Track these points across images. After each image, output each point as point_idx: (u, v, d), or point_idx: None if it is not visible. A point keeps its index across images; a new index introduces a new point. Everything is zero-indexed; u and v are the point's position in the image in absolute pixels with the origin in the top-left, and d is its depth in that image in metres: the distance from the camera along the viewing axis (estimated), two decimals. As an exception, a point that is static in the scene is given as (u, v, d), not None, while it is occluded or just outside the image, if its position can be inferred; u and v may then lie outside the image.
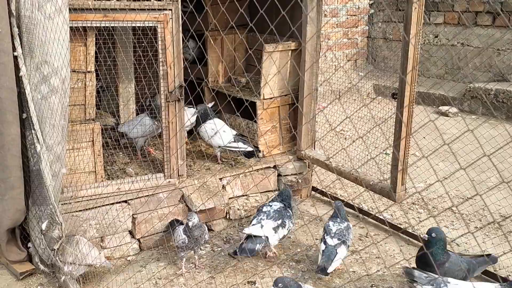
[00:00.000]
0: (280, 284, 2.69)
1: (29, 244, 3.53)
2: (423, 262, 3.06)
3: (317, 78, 4.46)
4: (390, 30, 8.14)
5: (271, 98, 4.49)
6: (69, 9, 3.18)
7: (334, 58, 7.70)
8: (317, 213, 4.48)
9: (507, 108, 6.55)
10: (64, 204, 3.53)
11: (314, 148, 4.63)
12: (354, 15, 7.98)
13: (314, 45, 4.32)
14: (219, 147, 4.32)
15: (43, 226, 3.33)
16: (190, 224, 3.46)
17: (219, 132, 4.17)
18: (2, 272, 3.57)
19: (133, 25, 3.62)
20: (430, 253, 2.96)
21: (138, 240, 3.88)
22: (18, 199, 3.36)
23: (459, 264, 3.01)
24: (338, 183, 4.99)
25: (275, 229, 3.52)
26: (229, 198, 4.26)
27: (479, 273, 3.27)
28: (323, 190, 4.77)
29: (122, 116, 4.56)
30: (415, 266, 3.06)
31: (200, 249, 3.67)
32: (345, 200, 4.62)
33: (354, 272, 3.59)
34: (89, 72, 3.64)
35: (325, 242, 3.41)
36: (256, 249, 3.40)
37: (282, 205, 3.70)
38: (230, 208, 4.23)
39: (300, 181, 4.60)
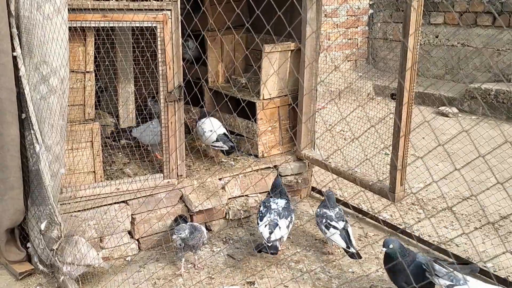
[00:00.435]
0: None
1: (28, 244, 3.53)
2: (393, 272, 3.06)
3: (316, 78, 4.46)
4: (390, 31, 8.14)
5: (270, 99, 4.49)
6: (68, 9, 3.18)
7: (334, 58, 7.70)
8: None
9: (507, 108, 6.54)
10: (63, 204, 3.53)
11: (314, 149, 4.63)
12: (354, 16, 7.98)
13: (313, 46, 4.32)
14: (211, 146, 4.39)
15: (42, 226, 3.33)
16: (182, 236, 3.43)
17: (208, 132, 4.30)
18: (1, 272, 3.57)
19: (132, 25, 3.62)
20: (397, 261, 2.94)
21: (137, 240, 3.88)
22: (17, 199, 3.36)
23: (423, 267, 3.00)
24: (338, 183, 4.99)
25: (288, 226, 3.64)
26: (228, 199, 4.26)
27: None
28: (322, 190, 4.76)
29: (121, 116, 4.56)
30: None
31: (200, 249, 3.66)
32: (344, 200, 4.62)
33: (353, 272, 3.59)
34: (88, 72, 3.64)
35: (334, 227, 3.62)
36: (278, 246, 3.54)
37: (286, 200, 3.76)
38: (229, 208, 4.23)
39: (299, 181, 4.59)
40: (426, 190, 4.74)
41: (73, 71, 3.57)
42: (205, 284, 3.43)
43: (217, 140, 4.27)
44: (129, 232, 3.86)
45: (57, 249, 3.35)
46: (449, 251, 3.73)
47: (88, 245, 3.38)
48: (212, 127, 4.25)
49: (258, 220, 3.64)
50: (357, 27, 8.14)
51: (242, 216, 4.26)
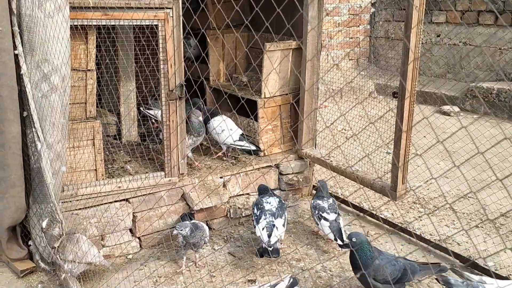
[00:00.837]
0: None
1: (30, 242, 3.54)
2: (352, 262, 3.10)
3: (317, 76, 4.46)
4: (392, 29, 8.13)
5: (271, 97, 4.49)
6: (69, 7, 3.19)
7: (335, 57, 7.69)
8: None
9: (509, 107, 6.53)
10: (65, 202, 3.53)
11: (315, 147, 4.63)
12: (355, 14, 7.97)
13: (315, 44, 4.32)
14: (225, 144, 4.36)
15: (44, 224, 3.34)
16: (183, 232, 3.43)
17: (228, 130, 4.26)
18: (3, 270, 3.58)
19: (133, 23, 3.62)
20: (356, 253, 2.97)
21: (138, 238, 3.89)
22: (18, 197, 3.37)
23: (392, 262, 3.03)
24: (339, 182, 4.99)
25: (283, 224, 3.66)
26: (230, 197, 4.26)
27: (423, 277, 3.28)
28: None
29: (123, 114, 4.57)
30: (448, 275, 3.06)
31: (201, 248, 3.65)
32: (345, 199, 4.62)
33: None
34: (89, 70, 3.64)
35: (325, 219, 3.72)
36: (279, 250, 3.57)
37: (278, 199, 3.78)
38: (230, 206, 4.23)
39: (300, 180, 4.59)
40: (428, 189, 4.74)
41: (75, 69, 3.57)
42: (206, 282, 3.43)
43: (240, 140, 4.28)
44: (130, 230, 3.86)
45: (58, 247, 3.36)
46: (449, 249, 3.73)
47: (89, 243, 3.38)
48: (232, 126, 4.29)
49: (254, 222, 3.65)
50: (358, 26, 8.13)
51: (243, 215, 4.26)
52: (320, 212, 3.78)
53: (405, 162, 3.72)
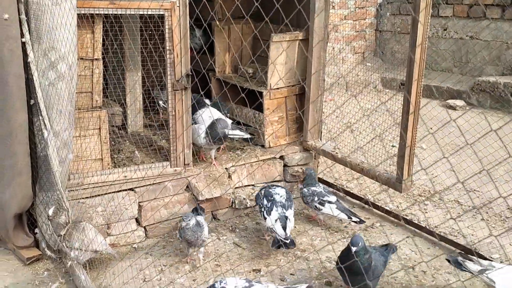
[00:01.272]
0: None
1: (36, 230, 3.55)
2: (350, 270, 2.89)
3: (324, 68, 4.45)
4: (398, 23, 8.10)
5: (278, 88, 4.48)
6: (77, -5, 3.19)
7: (341, 49, 7.67)
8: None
9: (516, 101, 6.50)
10: (71, 191, 3.54)
11: (321, 139, 4.62)
12: (362, 7, 7.94)
13: (321, 35, 4.31)
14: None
15: (50, 212, 3.35)
16: (183, 224, 3.37)
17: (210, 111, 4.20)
18: (9, 258, 3.60)
19: (140, 12, 3.62)
20: (360, 262, 2.85)
21: (144, 227, 3.90)
22: (25, 185, 3.38)
23: (378, 259, 3.02)
24: (344, 174, 4.99)
25: (293, 215, 3.69)
26: (235, 188, 4.26)
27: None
28: (328, 181, 4.76)
29: (129, 104, 4.57)
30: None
31: (200, 246, 3.49)
32: (351, 191, 4.61)
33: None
34: (96, 59, 3.64)
35: (329, 202, 3.85)
36: (295, 241, 3.57)
37: (285, 189, 3.80)
38: (235, 197, 4.23)
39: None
40: (433, 182, 4.73)
41: (81, 58, 3.58)
42: (211, 271, 3.44)
43: (232, 129, 4.19)
44: (136, 219, 3.87)
45: (64, 234, 3.37)
46: (455, 241, 3.73)
47: (95, 231, 3.39)
48: (220, 116, 4.23)
49: (264, 213, 3.63)
50: (365, 19, 8.09)
51: (248, 205, 4.27)
52: (321, 198, 3.86)
53: (411, 154, 3.72)
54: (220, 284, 2.65)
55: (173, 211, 3.95)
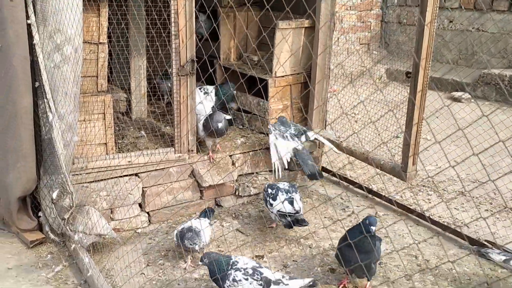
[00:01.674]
0: (205, 259, 2.82)
1: (40, 213, 3.56)
2: (360, 248, 2.84)
3: (330, 57, 4.42)
4: (404, 14, 8.04)
5: (283, 76, 4.45)
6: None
7: (346, 40, 7.63)
8: (326, 193, 4.47)
9: (521, 94, 6.47)
10: (75, 175, 3.54)
11: (325, 128, 4.60)
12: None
13: (328, 24, 4.28)
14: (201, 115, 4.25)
15: (54, 195, 3.35)
16: (180, 227, 3.28)
17: (202, 102, 4.20)
18: (13, 240, 3.61)
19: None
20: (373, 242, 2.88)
21: (148, 213, 3.90)
22: (29, 168, 3.38)
23: (379, 246, 3.04)
24: (348, 164, 4.98)
25: (301, 199, 3.71)
26: (239, 175, 4.26)
27: None
28: (332, 170, 4.75)
29: (133, 90, 4.55)
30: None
31: (194, 252, 3.32)
32: (354, 181, 4.60)
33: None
34: (101, 43, 3.63)
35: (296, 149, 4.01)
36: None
37: (287, 182, 3.84)
38: (239, 185, 4.23)
39: (310, 160, 4.57)
40: (438, 173, 4.71)
41: (86, 42, 3.56)
42: (215, 257, 3.44)
43: (213, 111, 4.12)
44: (140, 205, 3.87)
45: (68, 218, 3.38)
46: (459, 231, 3.72)
47: (99, 215, 3.40)
48: (198, 100, 4.15)
49: (270, 201, 3.63)
50: (371, 10, 8.04)
51: (252, 193, 4.26)
52: (292, 133, 4.04)
53: (416, 143, 3.70)
54: (232, 259, 2.77)
55: (177, 197, 3.95)
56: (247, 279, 2.68)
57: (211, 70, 4.87)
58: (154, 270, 3.31)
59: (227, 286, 2.70)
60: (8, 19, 3.09)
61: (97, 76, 3.66)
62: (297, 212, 3.52)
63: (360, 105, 5.34)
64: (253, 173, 4.36)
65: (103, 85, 3.70)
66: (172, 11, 3.62)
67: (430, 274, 3.30)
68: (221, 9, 4.80)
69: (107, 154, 3.77)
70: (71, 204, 3.36)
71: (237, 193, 4.23)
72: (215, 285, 2.86)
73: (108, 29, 3.71)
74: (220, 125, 3.89)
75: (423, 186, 4.56)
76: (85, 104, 3.62)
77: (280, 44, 4.30)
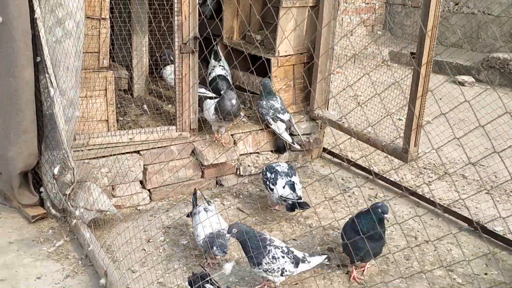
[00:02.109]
0: (234, 230, 2.75)
1: (41, 189, 3.57)
2: (373, 237, 2.86)
3: (334, 37, 4.38)
4: (409, -4, 7.95)
5: (286, 56, 4.42)
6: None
7: (350, 21, 7.56)
8: (326, 173, 4.48)
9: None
10: (76, 151, 3.54)
11: (327, 109, 4.59)
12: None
13: (332, 2, 4.23)
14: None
15: (56, 171, 3.35)
16: (208, 232, 3.00)
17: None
18: (14, 215, 3.62)
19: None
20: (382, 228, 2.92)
21: (149, 190, 3.91)
22: (31, 143, 3.38)
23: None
24: (349, 145, 4.97)
25: (300, 182, 3.72)
26: (240, 155, 4.26)
27: None
28: (333, 151, 4.75)
29: (135, 68, 4.53)
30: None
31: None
32: (356, 162, 4.60)
33: (362, 230, 3.60)
34: (103, 19, 3.59)
35: (282, 120, 4.02)
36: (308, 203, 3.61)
37: (286, 163, 3.82)
38: (240, 164, 4.23)
39: (311, 141, 4.57)
40: (439, 156, 4.70)
41: (88, 17, 3.52)
42: (215, 234, 3.46)
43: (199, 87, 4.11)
44: (141, 182, 3.88)
45: (69, 194, 3.39)
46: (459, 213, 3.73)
47: (100, 191, 3.40)
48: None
49: (270, 185, 3.62)
50: (375, -9, 7.96)
51: (252, 173, 4.27)
52: (276, 113, 3.97)
53: (418, 125, 3.69)
54: (267, 236, 2.83)
55: (178, 175, 3.95)
56: (283, 257, 2.76)
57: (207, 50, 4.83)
58: (154, 246, 3.33)
59: (265, 263, 2.73)
60: (10, -7, 3.06)
61: (98, 52, 3.63)
62: (299, 198, 3.51)
63: (362, 87, 5.30)
64: (254, 153, 4.35)
65: (104, 62, 3.68)
66: (175, -13, 3.58)
67: (429, 255, 3.32)
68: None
69: (108, 131, 3.76)
70: (73, 180, 3.36)
71: (238, 172, 4.23)
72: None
73: (110, 4, 3.67)
74: (233, 101, 3.77)
75: (424, 168, 4.56)
76: (87, 80, 3.60)
77: (284, 22, 4.26)
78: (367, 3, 7.85)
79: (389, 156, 4.44)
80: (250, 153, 4.33)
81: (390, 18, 8.19)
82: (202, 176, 4.12)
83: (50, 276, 3.02)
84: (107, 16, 3.61)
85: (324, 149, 4.80)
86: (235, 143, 4.22)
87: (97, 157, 3.64)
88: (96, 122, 3.72)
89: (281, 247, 2.79)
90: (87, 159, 3.60)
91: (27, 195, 3.57)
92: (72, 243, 3.35)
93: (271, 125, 4.01)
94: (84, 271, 3.09)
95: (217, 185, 4.22)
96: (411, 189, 4.13)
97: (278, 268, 2.73)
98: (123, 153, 3.73)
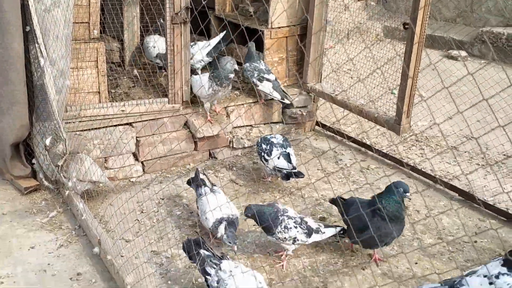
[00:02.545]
0: (248, 213, 2.86)
1: (34, 161, 3.56)
2: (396, 218, 2.77)
3: (327, 8, 4.34)
4: (403, -30, 7.87)
5: (279, 28, 4.39)
6: None
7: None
8: (319, 147, 4.49)
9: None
10: (68, 123, 3.52)
11: (320, 81, 4.58)
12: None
13: (325, -27, 4.18)
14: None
15: (47, 142, 3.34)
16: (219, 216, 2.91)
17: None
18: (6, 187, 3.62)
19: None
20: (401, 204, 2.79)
21: (142, 163, 3.91)
22: (22, 114, 3.35)
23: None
24: (342, 119, 4.98)
25: (294, 154, 3.73)
26: (233, 127, 4.25)
27: None
28: (326, 124, 4.75)
29: (126, 39, 4.47)
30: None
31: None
32: (348, 135, 4.62)
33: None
34: (93, -12, 3.54)
35: (268, 80, 4.02)
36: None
37: (281, 135, 3.84)
38: (233, 136, 4.23)
39: (304, 114, 4.57)
40: (431, 129, 4.73)
41: (78, -14, 3.47)
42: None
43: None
44: (134, 155, 3.88)
45: (62, 165, 3.38)
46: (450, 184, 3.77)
47: (93, 162, 3.40)
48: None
49: (265, 156, 3.64)
50: (369, -36, 7.86)
51: (246, 145, 4.27)
52: (262, 74, 4.00)
53: (410, 96, 3.69)
54: (280, 206, 2.91)
55: (171, 147, 3.95)
56: (296, 227, 2.84)
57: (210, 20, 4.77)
58: (148, 217, 3.35)
59: (278, 232, 2.83)
60: (-3, -40, 3.00)
61: (88, 22, 3.59)
62: (294, 168, 3.55)
63: (356, 61, 5.28)
64: (248, 126, 4.35)
65: (95, 32, 3.63)
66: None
67: (420, 224, 3.36)
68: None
69: (100, 102, 3.74)
70: (65, 151, 3.35)
71: (231, 145, 4.24)
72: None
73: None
74: (228, 65, 3.76)
75: (416, 141, 4.58)
76: (77, 51, 3.57)
77: (277, -7, 4.21)
78: (361, -23, 7.75)
79: (381, 128, 4.47)
80: (244, 126, 4.32)
81: (384, -7, 8.12)
82: (195, 149, 4.12)
83: (43, 246, 3.03)
84: (97, -15, 3.55)
85: (317, 123, 4.80)
86: (228, 115, 4.21)
87: (89, 129, 3.63)
88: (87, 94, 3.70)
89: (294, 218, 2.87)
90: (79, 130, 3.58)
91: (19, 166, 3.56)
92: (65, 213, 3.36)
93: (258, 86, 4.04)
94: (78, 240, 3.10)
95: (211, 158, 4.22)
96: (403, 160, 4.15)
97: (290, 237, 2.84)
98: (115, 125, 3.72)
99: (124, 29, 4.44)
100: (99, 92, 3.76)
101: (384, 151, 4.30)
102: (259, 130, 4.37)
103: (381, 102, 4.15)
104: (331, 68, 5.08)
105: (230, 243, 2.86)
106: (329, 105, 4.54)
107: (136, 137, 3.83)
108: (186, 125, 4.05)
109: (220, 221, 2.91)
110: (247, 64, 4.11)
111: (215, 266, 2.45)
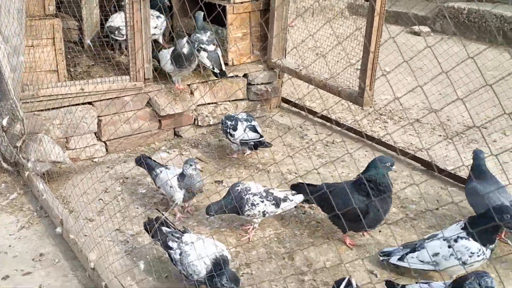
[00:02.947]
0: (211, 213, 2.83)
1: (-10, 143, 3.44)
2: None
3: (289, -17, 4.32)
4: None
5: (242, 3, 4.33)
6: None
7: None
8: (285, 123, 4.50)
9: (478, 27, 6.55)
10: (25, 102, 3.41)
11: (285, 57, 4.56)
12: None
13: None
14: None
15: (4, 122, 3.23)
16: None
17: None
18: (-37, 171, 3.50)
19: None
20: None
21: (104, 142, 3.84)
22: (-25, 94, 3.23)
23: None
24: (307, 95, 4.99)
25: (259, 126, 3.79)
26: (198, 105, 4.21)
27: None
28: (292, 100, 4.76)
29: (85, 18, 4.34)
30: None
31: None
32: (314, 110, 4.64)
33: (319, 174, 3.66)
34: (46, -39, 3.41)
35: (204, 50, 4.01)
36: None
37: (245, 112, 3.91)
38: (198, 114, 4.19)
39: (269, 90, 4.56)
40: (394, 102, 4.79)
41: (30, -40, 3.34)
42: (173, 182, 3.44)
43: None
44: (96, 134, 3.80)
45: (20, 146, 3.28)
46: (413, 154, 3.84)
47: (53, 142, 3.31)
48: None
49: (230, 132, 3.63)
50: None
51: (211, 123, 4.24)
52: (200, 44, 4.00)
53: (373, 70, 3.72)
54: (240, 186, 2.88)
55: (133, 126, 3.88)
56: (262, 201, 2.86)
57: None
58: (112, 196, 3.30)
59: (246, 211, 2.84)
60: None
61: (43, -2, 3.46)
62: (261, 136, 3.62)
63: (321, 37, 5.29)
64: (212, 103, 4.31)
65: (50, 8, 3.51)
66: None
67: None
68: None
69: (58, 81, 3.63)
70: (23, 131, 3.26)
71: (196, 122, 4.20)
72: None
73: None
74: (185, 50, 3.77)
75: (380, 114, 4.64)
76: (32, 28, 3.44)
77: (238, -32, 4.15)
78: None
79: (345, 103, 4.51)
80: (208, 103, 4.29)
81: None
82: (159, 128, 4.07)
83: (4, 228, 2.96)
84: (51, -41, 3.42)
85: (283, 99, 4.81)
86: (191, 93, 4.16)
87: (48, 109, 3.53)
88: (45, 73, 3.59)
89: (259, 193, 2.87)
90: (37, 110, 3.48)
91: (-25, 149, 3.44)
92: (26, 195, 3.28)
93: (198, 56, 4.00)
94: (40, 222, 3.03)
95: (175, 136, 4.18)
96: (367, 134, 4.21)
97: (259, 211, 2.85)
98: (75, 104, 3.63)
99: (81, 7, 4.30)
100: (57, 71, 3.65)
101: (349, 124, 4.34)
102: (224, 107, 4.34)
103: (345, 77, 4.18)
104: (293, 44, 5.08)
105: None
106: (294, 81, 4.54)
107: (98, 116, 3.75)
108: (149, 103, 3.98)
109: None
110: (192, 35, 4.09)
111: (177, 240, 2.44)
